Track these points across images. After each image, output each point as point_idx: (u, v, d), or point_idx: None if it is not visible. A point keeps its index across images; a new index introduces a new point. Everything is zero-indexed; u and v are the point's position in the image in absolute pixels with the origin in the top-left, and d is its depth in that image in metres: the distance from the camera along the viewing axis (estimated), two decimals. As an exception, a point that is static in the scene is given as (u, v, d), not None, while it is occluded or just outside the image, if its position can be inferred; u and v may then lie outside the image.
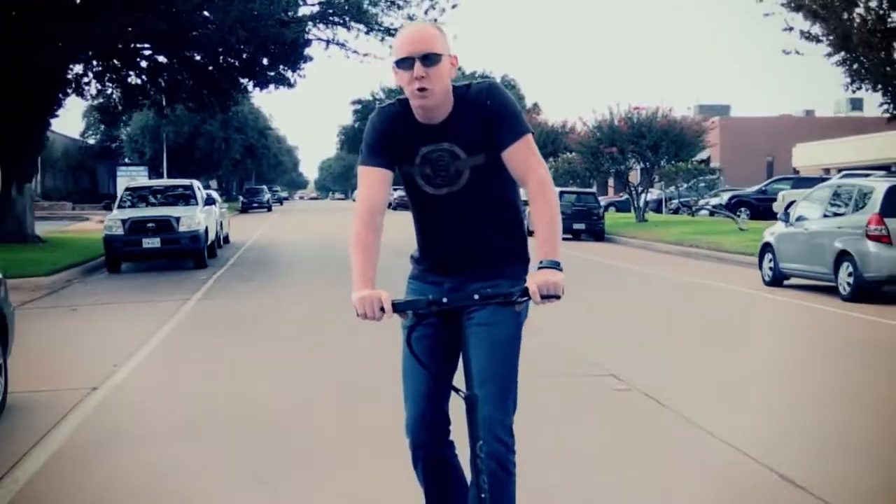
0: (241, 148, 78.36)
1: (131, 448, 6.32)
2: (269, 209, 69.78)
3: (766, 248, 16.83)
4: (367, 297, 3.30)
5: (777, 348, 10.65)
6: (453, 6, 27.47)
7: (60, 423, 6.88)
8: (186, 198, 22.45)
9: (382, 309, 3.29)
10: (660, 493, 5.40)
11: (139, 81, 29.96)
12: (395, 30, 26.77)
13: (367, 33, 26.66)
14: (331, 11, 26.17)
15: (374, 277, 3.41)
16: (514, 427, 3.55)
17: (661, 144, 37.43)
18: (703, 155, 72.30)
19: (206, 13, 22.85)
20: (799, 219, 16.16)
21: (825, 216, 15.46)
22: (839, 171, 41.96)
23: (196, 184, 23.94)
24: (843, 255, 14.33)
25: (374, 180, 3.57)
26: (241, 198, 72.24)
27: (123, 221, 20.13)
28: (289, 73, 29.12)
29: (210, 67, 28.89)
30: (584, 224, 32.18)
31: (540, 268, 3.35)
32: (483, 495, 3.33)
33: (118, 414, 7.29)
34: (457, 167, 3.56)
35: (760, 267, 17.12)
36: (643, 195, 39.68)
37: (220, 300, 14.80)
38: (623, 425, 6.88)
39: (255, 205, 68.18)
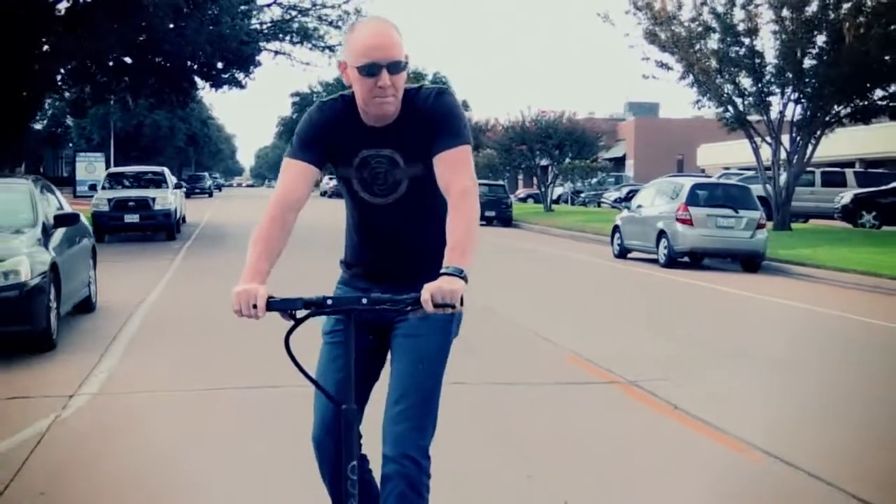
0: (185, 136, 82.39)
1: (172, 326, 11.15)
2: (211, 195, 73.93)
3: (616, 229, 22.06)
4: (244, 291, 3.00)
5: (617, 299, 15.74)
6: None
7: (133, 315, 11.64)
8: (158, 182, 27.04)
9: (256, 306, 2.97)
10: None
11: (105, 79, 34.32)
12: (336, 46, 31.69)
13: (310, 49, 31.60)
14: (282, 35, 30.99)
15: (267, 274, 3.12)
16: None
17: (564, 144, 42.73)
18: (618, 152, 78.06)
19: (179, 29, 27.25)
20: (638, 206, 21.40)
21: (653, 205, 20.69)
22: (728, 168, 47.52)
23: (166, 170, 28.56)
24: (661, 234, 19.54)
25: (297, 175, 3.30)
26: (183, 184, 76.23)
27: (109, 200, 24.69)
28: (241, 76, 33.71)
29: (171, 69, 33.36)
30: (495, 212, 37.21)
31: (441, 274, 3.00)
32: None
33: (160, 314, 12.04)
34: (395, 176, 3.31)
35: (612, 243, 22.34)
36: (550, 189, 44.89)
37: (197, 258, 19.55)
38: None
39: (198, 190, 72.16)
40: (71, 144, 78.23)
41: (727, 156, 61.68)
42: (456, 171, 3.21)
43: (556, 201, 49.96)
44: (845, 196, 31.54)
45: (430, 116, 3.27)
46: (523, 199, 58.30)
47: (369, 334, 3.39)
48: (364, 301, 3.06)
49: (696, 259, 19.94)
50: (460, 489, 4.97)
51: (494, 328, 10.78)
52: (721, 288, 15.98)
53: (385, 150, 3.31)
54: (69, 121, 77.58)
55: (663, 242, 19.44)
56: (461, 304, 2.98)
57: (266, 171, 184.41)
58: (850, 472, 5.64)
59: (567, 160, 43.66)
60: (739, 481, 5.56)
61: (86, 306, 11.54)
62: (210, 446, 6.14)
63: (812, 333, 11.64)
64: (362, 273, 3.51)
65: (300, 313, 3.06)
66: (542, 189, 45.35)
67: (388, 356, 3.43)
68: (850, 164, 48.55)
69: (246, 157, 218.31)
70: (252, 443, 6.10)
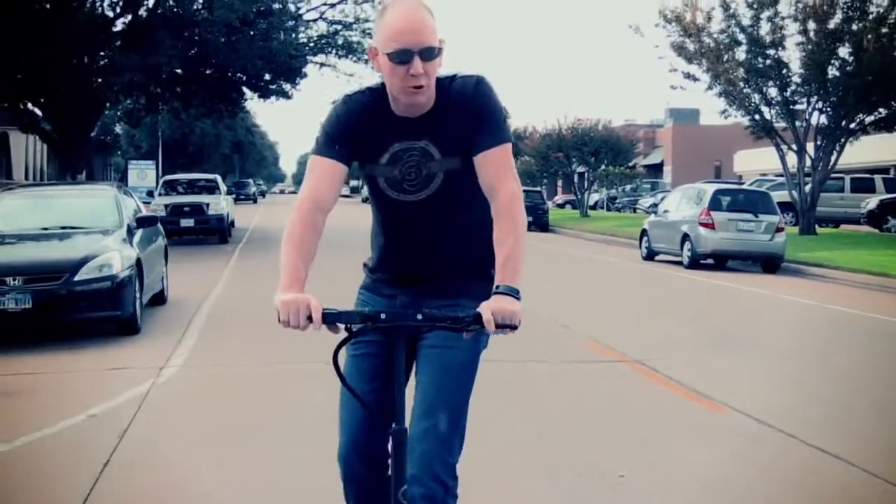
0: (230, 144, 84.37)
1: (237, 316, 12.54)
2: (255, 201, 75.81)
3: (644, 232, 23.27)
4: (293, 301, 2.79)
5: (637, 295, 16.99)
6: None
7: (201, 307, 13.05)
8: (211, 189, 28.59)
9: (310, 318, 2.75)
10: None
11: (158, 90, 36.01)
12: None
13: (355, 62, 33.14)
14: (328, 49, 32.54)
15: (305, 280, 2.93)
16: None
17: (600, 151, 43.94)
18: (656, 158, 78.94)
19: (231, 43, 28.77)
20: (665, 211, 22.61)
21: (678, 210, 21.88)
22: (764, 175, 48.43)
23: (218, 178, 30.13)
24: (685, 237, 20.73)
25: (325, 173, 3.08)
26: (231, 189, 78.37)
27: (166, 206, 26.23)
28: (287, 87, 35.23)
29: (220, 80, 34.98)
30: (532, 217, 38.36)
31: (496, 293, 2.88)
32: None
33: (224, 306, 13.42)
34: (429, 169, 3.09)
35: (640, 246, 23.56)
36: (587, 195, 46.12)
37: (250, 259, 21.00)
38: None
39: (243, 196, 74.04)
40: (119, 152, 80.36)
41: (763, 162, 62.34)
42: (501, 174, 3.04)
43: (593, 207, 51.19)
44: (871, 202, 32.47)
45: (470, 108, 3.07)
46: (561, 206, 59.53)
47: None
48: (420, 317, 2.87)
49: (719, 261, 21.09)
50: (488, 451, 6.28)
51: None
52: (736, 286, 17.17)
53: (419, 143, 3.10)
54: (118, 128, 79.81)
55: (687, 245, 20.63)
56: (519, 323, 2.86)
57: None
58: (839, 437, 6.87)
59: (602, 167, 44.82)
60: (727, 441, 6.83)
61: (160, 298, 12.97)
62: (276, 409, 7.51)
63: (812, 325, 12.82)
64: (388, 278, 3.30)
65: (354, 326, 2.89)
66: (579, 195, 46.58)
67: (414, 365, 3.23)
68: (886, 171, 49.44)
69: (288, 164, 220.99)
70: (307, 407, 7.47)
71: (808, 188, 28.99)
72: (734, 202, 21.04)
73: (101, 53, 28.87)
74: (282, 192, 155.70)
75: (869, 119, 28.79)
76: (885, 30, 26.42)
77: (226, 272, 18.09)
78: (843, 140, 28.66)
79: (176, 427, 6.89)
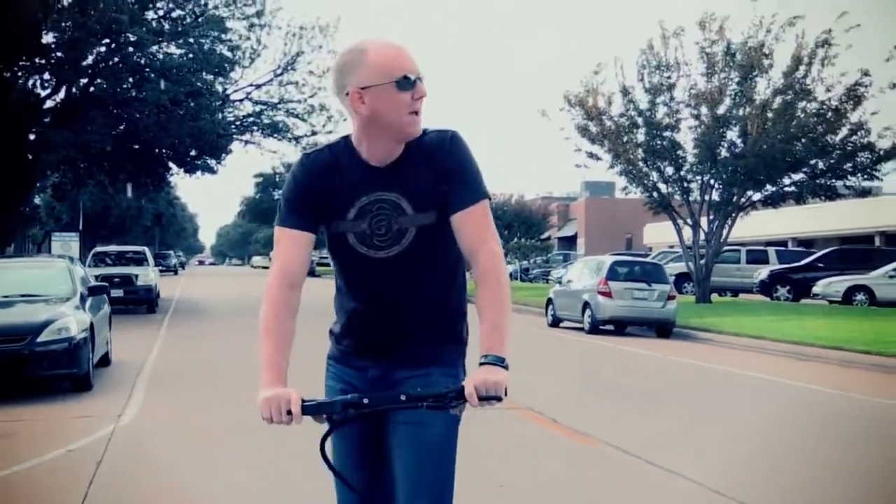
0: (152, 216, 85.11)
1: (177, 375, 13.91)
2: (176, 272, 76.41)
3: (549, 301, 25.12)
4: (274, 398, 2.74)
5: (538, 357, 18.69)
6: (345, 119, 35.78)
7: (143, 367, 14.40)
8: (139, 260, 29.83)
9: (290, 412, 2.72)
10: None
11: (85, 165, 37.16)
12: (300, 136, 35.02)
13: (279, 140, 34.87)
14: (254, 128, 34.29)
15: (286, 369, 2.88)
16: None
17: (513, 224, 46.11)
18: (570, 231, 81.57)
19: (161, 123, 30.19)
20: (568, 281, 24.50)
21: (580, 279, 23.78)
22: (672, 247, 51.08)
23: (146, 250, 31.36)
24: (586, 305, 22.59)
25: (291, 245, 2.99)
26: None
27: (96, 277, 27.26)
28: (213, 163, 36.68)
29: (147, 155, 36.29)
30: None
31: (482, 364, 2.82)
32: None
33: (163, 366, 14.77)
34: (400, 224, 2.97)
35: (546, 314, 25.39)
36: (501, 265, 48.13)
37: (180, 327, 22.30)
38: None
39: (163, 268, 74.56)
40: (39, 224, 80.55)
41: (670, 235, 64.86)
42: (481, 234, 2.96)
43: (510, 277, 53.02)
44: (762, 272, 34.87)
45: (446, 164, 2.98)
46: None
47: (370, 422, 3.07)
48: (403, 398, 2.81)
49: (619, 326, 22.97)
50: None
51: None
52: (629, 349, 19.00)
53: (389, 194, 2.97)
54: (37, 200, 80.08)
55: (587, 312, 22.48)
56: (505, 394, 2.79)
57: (227, 249, 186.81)
58: (683, 458, 8.58)
59: (515, 239, 46.96)
60: (589, 464, 8.49)
61: (105, 360, 14.29)
62: (216, 455, 8.99)
63: (680, 379, 14.63)
64: (356, 347, 3.13)
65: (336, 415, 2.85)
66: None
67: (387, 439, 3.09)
68: (784, 243, 52.47)
69: (207, 235, 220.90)
70: (247, 456, 8.96)
71: (703, 260, 31.20)
72: (630, 273, 23.01)
73: (33, 130, 30.06)
74: (201, 262, 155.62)
75: (757, 196, 31.21)
76: (769, 115, 28.90)
77: (158, 339, 19.38)
78: (733, 215, 31.01)
79: (144, 456, 8.33)
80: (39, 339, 11.28)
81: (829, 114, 29.35)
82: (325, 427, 2.91)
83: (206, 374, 13.70)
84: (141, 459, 8.29)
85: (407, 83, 2.87)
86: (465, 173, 3.00)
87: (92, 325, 12.32)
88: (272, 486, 7.19)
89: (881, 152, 29.69)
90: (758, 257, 38.91)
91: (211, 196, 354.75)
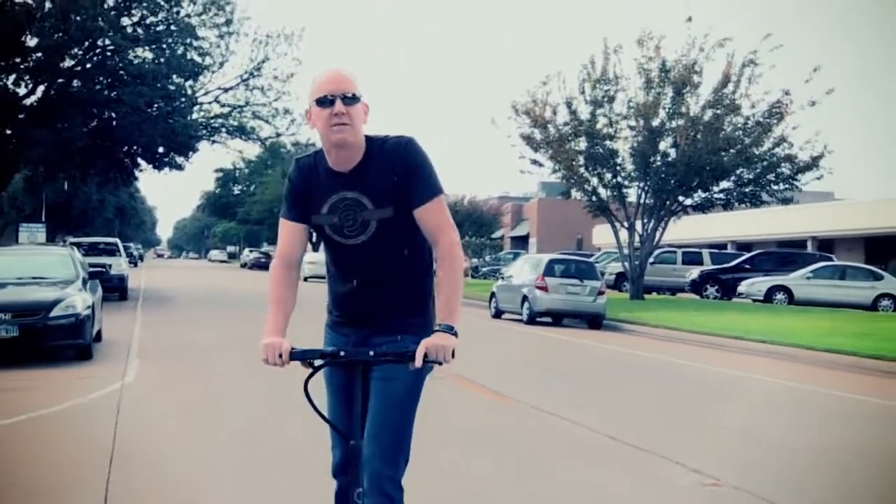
0: (114, 208, 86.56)
1: (162, 349, 16.07)
2: (136, 264, 78.02)
3: (492, 294, 27.52)
4: (270, 344, 3.48)
5: (479, 342, 21.02)
6: (301, 124, 38.07)
7: (131, 342, 16.52)
8: (111, 251, 31.85)
9: (281, 356, 3.45)
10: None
11: (59, 159, 38.96)
12: (266, 138, 37.27)
13: (245, 141, 37.11)
14: (224, 129, 36.49)
15: (285, 326, 3.64)
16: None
17: (464, 223, 48.47)
18: (522, 230, 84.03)
19: (136, 123, 32.19)
20: (509, 276, 26.91)
21: (520, 275, 26.18)
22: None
23: (118, 241, 33.36)
24: (524, 298, 24.99)
25: (289, 234, 3.73)
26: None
27: (72, 266, 29.38)
28: (181, 160, 38.66)
29: (118, 152, 38.21)
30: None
31: (435, 331, 3.47)
32: None
33: (148, 342, 16.90)
34: (363, 217, 3.60)
35: (489, 307, 27.77)
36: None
37: (152, 311, 24.41)
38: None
39: (129, 259, 76.20)
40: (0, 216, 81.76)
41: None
42: (440, 224, 3.58)
43: (460, 275, 55.44)
44: (693, 272, 37.48)
45: (403, 165, 3.57)
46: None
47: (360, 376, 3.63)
48: (371, 353, 3.51)
49: (555, 318, 25.36)
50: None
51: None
52: (558, 336, 21.43)
53: (351, 193, 3.58)
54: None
55: (526, 304, 24.88)
56: (452, 356, 3.42)
57: (184, 242, 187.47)
58: (576, 410, 10.90)
59: (467, 237, 49.28)
60: (503, 415, 10.80)
61: (98, 336, 16.42)
62: (207, 407, 11.22)
63: (596, 360, 17.03)
64: (341, 319, 3.83)
65: (317, 362, 3.58)
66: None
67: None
68: (724, 245, 55.42)
69: (164, 229, 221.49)
70: (233, 410, 11.17)
71: (637, 261, 33.71)
72: (565, 269, 25.42)
73: (11, 126, 31.95)
74: (159, 255, 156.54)
75: (688, 202, 33.81)
76: (699, 127, 31.47)
77: (137, 321, 21.49)
78: (666, 219, 33.56)
79: (151, 405, 10.52)
80: (51, 315, 13.41)
81: (754, 128, 31.99)
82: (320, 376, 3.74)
83: (184, 350, 15.90)
84: (150, 407, 10.48)
85: (324, 101, 3.52)
86: (420, 173, 3.59)
87: (93, 304, 14.47)
88: (252, 429, 9.47)
89: (801, 164, 32.38)
90: (693, 258, 41.50)
91: (169, 190, 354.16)
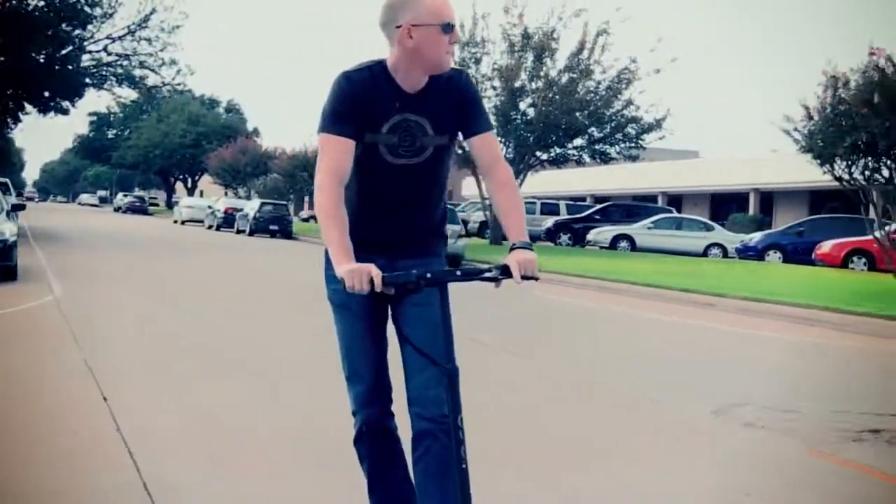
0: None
1: (71, 272, 18.40)
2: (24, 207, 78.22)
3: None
4: (357, 270, 3.16)
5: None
6: (192, 73, 40.07)
7: (45, 268, 18.75)
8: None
9: (371, 282, 3.14)
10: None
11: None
12: (156, 87, 39.09)
13: (133, 89, 38.89)
14: (112, 78, 38.21)
15: (352, 249, 3.31)
16: None
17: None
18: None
19: (22, 68, 33.68)
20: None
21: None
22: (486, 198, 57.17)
23: (9, 182, 34.91)
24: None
25: (339, 150, 3.45)
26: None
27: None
28: (66, 104, 40.13)
29: (3, 96, 39.42)
30: (278, 226, 44.91)
31: (515, 248, 3.37)
32: (463, 465, 3.24)
33: (57, 267, 19.14)
34: (422, 142, 3.54)
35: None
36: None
37: (47, 244, 26.41)
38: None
39: None
40: None
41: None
42: (497, 154, 3.63)
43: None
44: (548, 222, 40.93)
45: (463, 95, 3.57)
46: (305, 220, 66.01)
47: (378, 302, 3.55)
48: (458, 273, 3.33)
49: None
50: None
51: (266, 284, 18.65)
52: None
53: (414, 116, 3.50)
54: None
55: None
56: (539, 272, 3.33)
57: (52, 186, 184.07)
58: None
59: (343, 187, 51.83)
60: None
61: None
62: (136, 304, 13.80)
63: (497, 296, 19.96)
64: (363, 242, 3.48)
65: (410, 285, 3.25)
66: (321, 210, 53.52)
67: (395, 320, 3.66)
68: (583, 199, 59.41)
69: (31, 171, 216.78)
70: (157, 303, 13.72)
71: (498, 209, 36.83)
72: (430, 215, 28.28)
73: None
74: (30, 199, 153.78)
75: (545, 157, 37.14)
76: (555, 90, 34.71)
77: (38, 251, 23.58)
78: (525, 172, 36.79)
79: (87, 306, 12.99)
80: (-17, 240, 15.71)
81: (605, 91, 35.40)
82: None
83: (97, 274, 18.27)
84: (87, 309, 12.96)
85: (448, 28, 3.39)
86: (479, 104, 3.63)
87: (18, 232, 16.74)
88: (176, 314, 12.10)
89: (646, 125, 36.02)
90: (551, 209, 44.99)
91: (37, 132, 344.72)
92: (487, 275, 3.29)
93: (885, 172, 18.61)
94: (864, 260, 27.88)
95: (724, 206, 53.59)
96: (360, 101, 3.46)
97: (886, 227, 19.23)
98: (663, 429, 7.04)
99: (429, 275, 3.23)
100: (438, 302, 3.40)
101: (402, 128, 3.51)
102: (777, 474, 5.87)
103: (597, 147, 36.94)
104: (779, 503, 5.29)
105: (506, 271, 3.29)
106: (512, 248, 3.38)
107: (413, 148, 3.53)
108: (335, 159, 3.44)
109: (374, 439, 3.69)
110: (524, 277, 3.28)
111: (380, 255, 3.52)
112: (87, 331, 10.67)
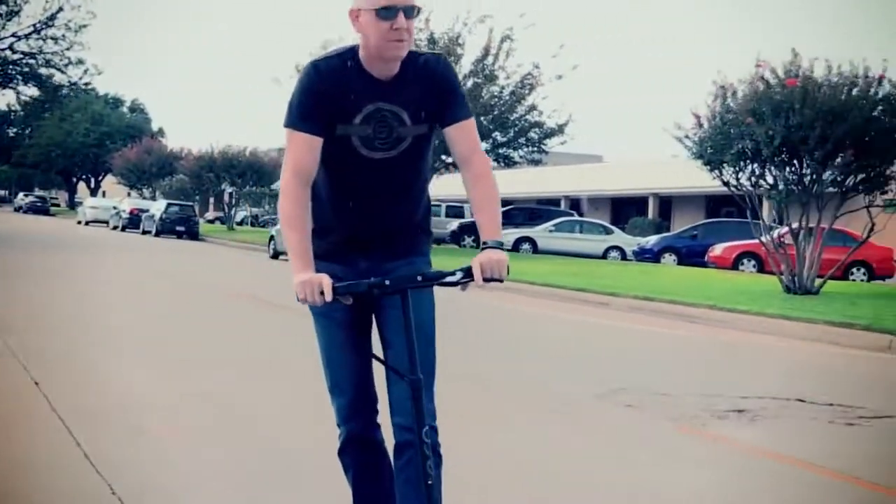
0: None
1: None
2: None
3: (271, 238, 30.74)
4: (308, 281, 3.08)
5: (255, 274, 24.11)
6: (100, 73, 40.03)
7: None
8: None
9: (323, 293, 3.05)
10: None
11: None
12: (60, 85, 38.83)
13: (39, 89, 38.62)
14: (19, 77, 37.93)
15: (312, 256, 3.20)
16: None
17: (246, 173, 51.16)
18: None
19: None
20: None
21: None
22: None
23: None
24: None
25: (304, 148, 3.25)
26: None
27: None
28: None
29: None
30: (184, 227, 44.88)
31: (485, 248, 3.22)
32: (430, 482, 3.14)
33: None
34: (399, 133, 3.32)
35: (268, 249, 30.97)
36: (234, 211, 53.17)
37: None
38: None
39: None
40: None
41: (439, 189, 71.92)
42: (474, 144, 3.39)
43: (241, 223, 58.28)
44: (453, 224, 41.65)
45: (441, 82, 3.34)
46: (211, 221, 65.99)
47: (360, 307, 3.38)
48: (419, 278, 3.15)
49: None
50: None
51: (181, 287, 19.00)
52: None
53: (388, 106, 3.29)
54: None
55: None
56: (507, 273, 3.16)
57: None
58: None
59: (248, 187, 51.98)
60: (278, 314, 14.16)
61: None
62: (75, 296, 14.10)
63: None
64: (343, 243, 3.42)
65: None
66: (227, 212, 53.56)
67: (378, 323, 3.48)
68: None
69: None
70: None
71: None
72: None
73: None
74: None
75: (449, 160, 37.79)
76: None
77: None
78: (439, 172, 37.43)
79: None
80: None
81: (509, 96, 36.26)
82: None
83: (33, 261, 18.43)
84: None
85: (386, 13, 3.14)
86: (457, 91, 3.40)
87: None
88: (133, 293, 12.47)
89: (548, 130, 37.01)
90: (456, 212, 45.65)
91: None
92: (450, 279, 3.17)
93: (770, 179, 19.64)
94: (753, 262, 29.20)
95: (625, 209, 55.11)
96: (328, 92, 3.27)
97: (773, 231, 20.26)
98: (549, 408, 7.74)
99: (386, 282, 3.14)
100: (429, 304, 3.39)
101: (377, 118, 3.31)
102: (649, 446, 6.59)
103: (500, 151, 37.72)
104: (650, 471, 5.98)
105: (469, 274, 3.16)
106: (483, 248, 3.26)
107: (389, 139, 3.33)
108: (299, 158, 3.26)
109: (358, 452, 3.54)
110: (488, 280, 3.16)
111: (362, 257, 3.44)
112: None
